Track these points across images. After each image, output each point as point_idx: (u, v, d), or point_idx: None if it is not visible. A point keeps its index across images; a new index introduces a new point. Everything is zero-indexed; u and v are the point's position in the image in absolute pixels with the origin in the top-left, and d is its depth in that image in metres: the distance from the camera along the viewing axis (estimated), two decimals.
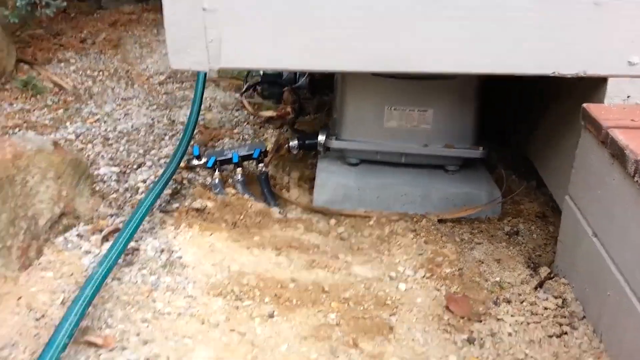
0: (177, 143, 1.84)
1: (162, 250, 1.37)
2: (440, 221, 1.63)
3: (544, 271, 1.34)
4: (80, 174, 1.50)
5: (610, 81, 1.23)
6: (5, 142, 1.30)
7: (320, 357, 1.07)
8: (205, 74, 2.01)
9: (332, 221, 1.63)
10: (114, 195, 1.62)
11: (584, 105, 1.22)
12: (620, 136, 1.06)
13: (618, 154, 1.05)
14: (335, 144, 1.75)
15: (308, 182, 1.85)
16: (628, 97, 1.23)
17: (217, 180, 1.71)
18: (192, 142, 1.88)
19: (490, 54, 1.25)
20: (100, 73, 2.62)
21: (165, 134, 2.08)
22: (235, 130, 2.15)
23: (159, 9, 3.67)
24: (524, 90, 1.89)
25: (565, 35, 1.21)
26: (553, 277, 1.29)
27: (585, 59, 1.21)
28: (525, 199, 1.74)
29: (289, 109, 2.26)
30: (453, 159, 1.76)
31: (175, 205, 1.60)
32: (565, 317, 1.20)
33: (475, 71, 1.28)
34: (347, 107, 1.74)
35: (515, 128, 2.03)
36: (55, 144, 1.41)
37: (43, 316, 1.10)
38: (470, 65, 1.26)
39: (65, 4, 2.59)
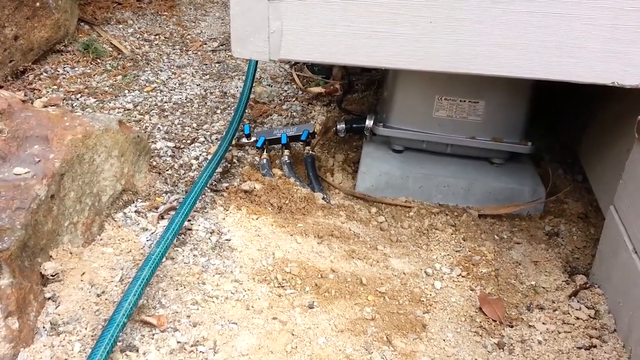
0: (229, 121, 1.91)
1: (212, 232, 1.45)
2: (480, 216, 1.65)
3: (579, 279, 1.36)
4: (141, 150, 1.59)
5: None
6: (76, 120, 1.39)
7: (354, 352, 1.14)
8: (257, 61, 2.04)
9: (373, 209, 1.68)
10: (169, 172, 1.70)
11: None
12: None
13: None
14: (381, 131, 1.78)
15: (352, 165, 1.89)
16: None
17: (265, 161, 1.77)
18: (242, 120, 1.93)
19: (549, 60, 1.24)
20: (157, 37, 2.68)
21: (217, 107, 2.14)
22: (284, 107, 2.19)
23: None
24: (579, 85, 1.84)
25: (626, 45, 1.18)
26: (588, 287, 1.31)
27: None
28: (569, 198, 1.73)
29: (337, 86, 2.28)
30: (500, 152, 1.76)
31: (225, 184, 1.68)
32: (596, 329, 1.23)
33: (532, 76, 1.27)
34: (396, 94, 1.75)
35: (566, 121, 2.00)
36: (120, 122, 1.49)
37: (103, 292, 1.21)
38: (528, 70, 1.25)
39: None
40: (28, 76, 2.21)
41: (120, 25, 2.74)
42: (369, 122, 1.80)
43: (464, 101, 1.70)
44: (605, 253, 1.34)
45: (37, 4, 2.21)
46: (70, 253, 1.26)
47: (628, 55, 1.18)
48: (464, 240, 1.53)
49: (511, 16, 1.21)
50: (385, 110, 1.79)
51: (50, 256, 1.22)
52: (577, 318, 1.26)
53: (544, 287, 1.37)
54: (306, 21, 1.29)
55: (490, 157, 1.78)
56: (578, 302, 1.29)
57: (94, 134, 1.37)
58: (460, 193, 1.73)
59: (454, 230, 1.57)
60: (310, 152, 1.83)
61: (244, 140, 1.87)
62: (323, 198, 1.68)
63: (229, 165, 1.79)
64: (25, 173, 1.20)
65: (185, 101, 2.17)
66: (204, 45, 2.66)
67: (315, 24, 1.29)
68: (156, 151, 1.80)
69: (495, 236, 1.57)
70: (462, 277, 1.40)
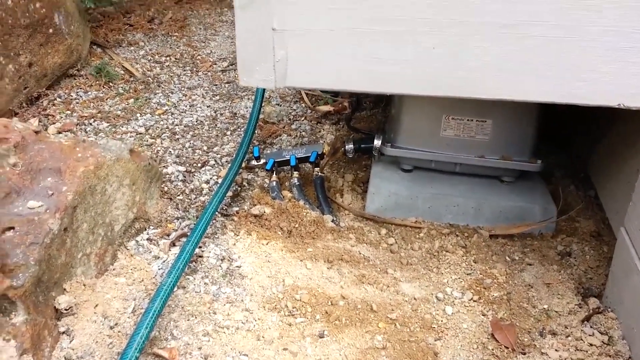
0: (239, 142, 1.92)
1: (223, 259, 1.46)
2: (492, 236, 1.65)
3: (592, 302, 1.35)
4: (152, 177, 1.61)
5: None
6: (88, 150, 1.41)
7: None
8: (264, 90, 2.06)
9: (383, 231, 1.68)
10: (180, 197, 1.72)
11: None
12: None
13: None
14: (389, 151, 1.78)
15: (361, 184, 1.90)
16: None
17: (274, 184, 1.78)
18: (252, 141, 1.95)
19: (555, 83, 1.24)
20: (168, 58, 2.71)
21: (227, 129, 2.16)
22: (293, 126, 2.20)
23: None
24: None
25: (632, 68, 1.17)
26: (601, 312, 1.30)
27: None
28: (580, 216, 1.72)
29: (345, 104, 2.29)
30: (509, 170, 1.75)
31: (235, 208, 1.69)
32: (610, 355, 1.22)
33: (537, 100, 1.27)
34: (403, 115, 1.75)
35: (577, 136, 1.98)
36: (132, 151, 1.51)
37: (116, 324, 1.23)
38: (535, 94, 1.25)
39: None
40: (42, 102, 2.25)
41: (132, 48, 2.78)
42: (377, 142, 1.81)
43: (472, 120, 1.69)
44: (618, 275, 1.33)
45: (50, 30, 2.25)
46: (84, 285, 1.28)
47: (634, 77, 1.18)
48: (475, 263, 1.52)
49: (518, 41, 1.20)
50: (393, 130, 1.79)
51: (64, 289, 1.24)
52: (591, 344, 1.25)
53: (556, 311, 1.36)
54: (311, 49, 1.30)
55: (500, 176, 1.78)
56: (591, 327, 1.28)
57: (106, 165, 1.39)
58: (470, 212, 1.72)
59: (465, 252, 1.56)
60: (319, 173, 1.83)
61: (254, 162, 1.89)
62: (332, 220, 1.68)
63: (239, 188, 1.80)
64: (39, 207, 1.23)
65: (196, 123, 2.19)
66: (214, 66, 2.69)
67: (320, 52, 1.30)
68: (167, 176, 1.82)
69: (507, 257, 1.56)
70: (474, 301, 1.39)
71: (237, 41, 1.31)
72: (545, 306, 1.38)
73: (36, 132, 1.46)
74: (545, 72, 1.22)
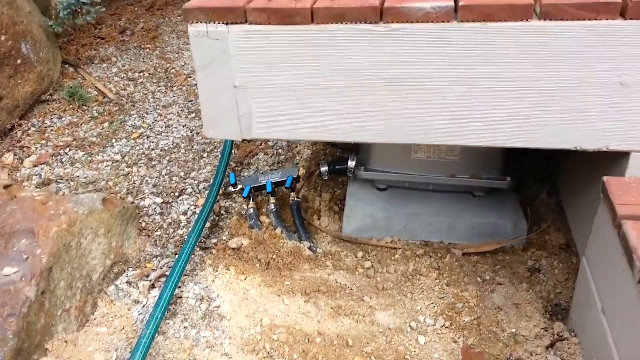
0: (216, 165, 1.94)
1: (202, 299, 1.50)
2: (465, 254, 1.69)
3: (557, 326, 1.40)
4: (128, 218, 1.64)
5: (632, 155, 1.22)
6: (60, 206, 1.43)
7: None
8: (232, 142, 2.06)
9: (360, 254, 1.72)
10: (158, 233, 1.75)
11: (604, 179, 1.23)
12: (631, 233, 1.08)
13: (628, 252, 1.07)
14: (363, 174, 1.81)
15: (339, 203, 1.93)
16: None
17: (252, 211, 1.81)
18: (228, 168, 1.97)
19: (513, 129, 1.26)
20: (141, 74, 2.70)
21: (203, 150, 2.17)
22: (270, 143, 2.22)
23: None
24: None
25: (590, 114, 1.20)
26: (565, 339, 1.35)
27: (608, 135, 1.21)
28: (551, 228, 1.76)
29: None
30: (480, 186, 1.79)
31: (214, 240, 1.73)
32: None
33: (496, 144, 1.29)
34: None
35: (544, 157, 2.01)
36: (104, 200, 1.53)
37: None
38: (493, 139, 1.28)
39: (104, 9, 2.64)
40: (16, 133, 2.25)
41: (104, 65, 2.76)
42: (351, 163, 1.83)
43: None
44: (580, 302, 1.37)
45: (19, 61, 2.24)
46: (65, 342, 1.32)
47: (589, 123, 1.20)
48: (447, 286, 1.57)
49: (476, 92, 1.22)
50: (366, 153, 1.82)
51: (46, 349, 1.28)
52: None
53: (524, 335, 1.41)
54: (273, 104, 1.31)
55: (472, 191, 1.81)
56: (554, 354, 1.33)
57: (78, 220, 1.42)
58: (444, 230, 1.76)
59: (438, 274, 1.61)
60: (296, 198, 1.86)
61: (231, 189, 1.91)
62: (309, 247, 1.72)
63: (217, 218, 1.83)
64: (14, 273, 1.26)
65: (172, 146, 2.20)
66: (188, 79, 2.68)
67: (283, 106, 1.31)
68: (145, 209, 1.84)
69: (478, 278, 1.61)
70: (446, 327, 1.44)
71: (201, 99, 1.33)
72: (514, 329, 1.43)
73: (6, 187, 1.48)
74: (503, 121, 1.24)
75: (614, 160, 1.29)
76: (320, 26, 1.21)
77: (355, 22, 1.19)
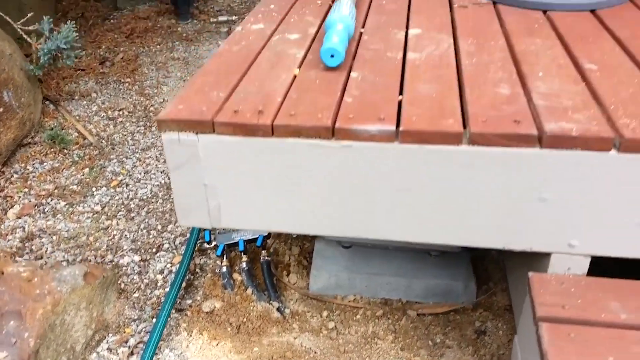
0: (189, 233, 2.07)
1: None
2: (419, 314, 1.85)
3: None
4: (108, 284, 1.76)
5: (553, 256, 1.38)
6: (45, 285, 1.55)
7: None
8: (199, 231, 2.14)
9: (325, 313, 1.87)
10: (136, 295, 1.88)
11: (530, 275, 1.38)
12: (545, 336, 1.23)
13: (541, 354, 1.23)
14: (327, 236, 1.95)
15: (307, 256, 2.07)
16: (568, 269, 1.39)
17: (225, 269, 1.95)
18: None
19: (449, 231, 1.41)
20: (120, 113, 2.79)
21: None
22: None
23: (172, 10, 3.74)
24: None
25: (515, 222, 1.35)
26: None
27: (532, 239, 1.36)
28: (498, 287, 1.93)
29: None
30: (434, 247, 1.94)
31: (189, 301, 1.86)
32: None
33: (434, 242, 1.44)
34: None
35: None
36: (86, 274, 1.66)
37: None
38: (431, 237, 1.43)
39: (83, 52, 2.72)
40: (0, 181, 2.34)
41: (85, 102, 2.84)
42: None
43: None
44: None
45: (1, 110, 2.32)
46: None
47: (514, 229, 1.35)
48: (402, 350, 1.73)
49: (414, 201, 1.36)
50: None
51: None
52: None
53: None
54: (241, 201, 1.44)
55: (428, 250, 1.97)
56: None
57: (62, 299, 1.54)
58: (402, 289, 1.92)
59: (394, 337, 1.77)
60: (266, 257, 2.00)
61: (206, 245, 2.04)
62: (278, 308, 1.87)
63: (192, 277, 1.97)
64: (4, 358, 1.38)
65: (150, 196, 2.32)
66: None
67: (249, 203, 1.44)
68: (124, 268, 1.97)
69: (430, 341, 1.77)
70: None
71: (174, 194, 1.45)
72: None
73: None
74: (440, 223, 1.39)
75: (540, 256, 1.45)
76: (280, 139, 1.34)
77: (311, 138, 1.32)
